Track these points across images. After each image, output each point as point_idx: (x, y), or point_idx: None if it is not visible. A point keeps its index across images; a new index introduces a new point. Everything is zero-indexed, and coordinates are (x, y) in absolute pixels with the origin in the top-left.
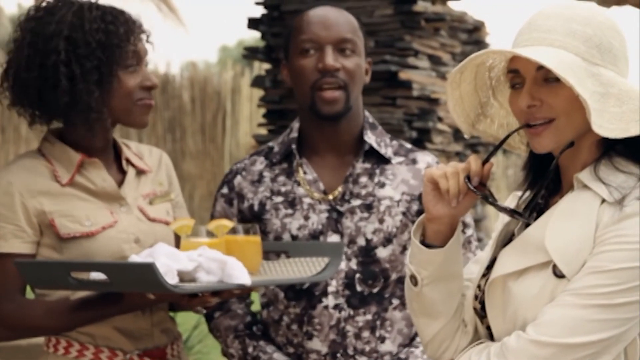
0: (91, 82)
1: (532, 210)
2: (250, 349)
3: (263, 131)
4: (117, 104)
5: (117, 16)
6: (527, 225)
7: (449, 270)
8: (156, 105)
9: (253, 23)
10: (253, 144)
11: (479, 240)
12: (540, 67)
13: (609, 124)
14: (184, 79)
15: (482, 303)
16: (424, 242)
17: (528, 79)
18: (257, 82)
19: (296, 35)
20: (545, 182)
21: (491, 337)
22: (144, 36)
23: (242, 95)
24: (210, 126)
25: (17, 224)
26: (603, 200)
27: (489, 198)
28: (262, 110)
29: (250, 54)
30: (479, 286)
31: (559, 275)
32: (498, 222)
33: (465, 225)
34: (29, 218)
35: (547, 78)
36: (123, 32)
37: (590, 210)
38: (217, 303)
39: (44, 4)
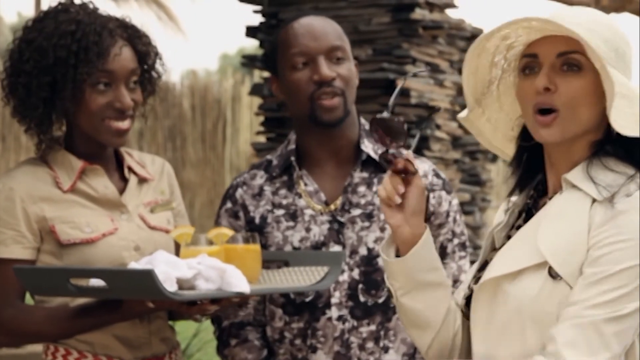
0: (40, 97)
1: (522, 212)
2: None
3: (262, 139)
4: (84, 122)
5: (88, 34)
6: (518, 227)
7: (422, 278)
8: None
9: (251, 31)
10: (253, 152)
11: (478, 247)
12: (562, 54)
13: (622, 121)
14: (184, 87)
15: (469, 305)
16: (398, 256)
17: (546, 64)
18: (255, 90)
19: (285, 50)
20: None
21: (468, 339)
22: (127, 54)
23: (243, 103)
24: (211, 134)
25: (17, 230)
26: (594, 200)
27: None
28: (262, 118)
29: (249, 62)
30: (469, 287)
31: (554, 276)
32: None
33: (454, 235)
34: (29, 224)
35: (565, 67)
36: (91, 50)
37: (581, 211)
38: (230, 326)
39: (49, 9)
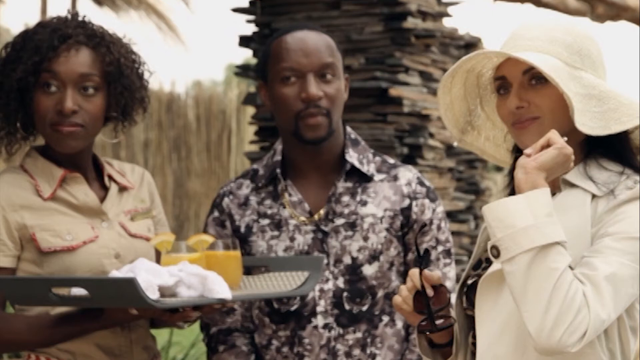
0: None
1: None
2: None
3: (255, 148)
4: (38, 127)
5: (35, 34)
6: None
7: None
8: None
9: (244, 41)
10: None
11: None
12: (526, 71)
13: (590, 122)
14: (189, 98)
15: (469, 300)
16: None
17: (515, 83)
18: (248, 99)
19: (276, 62)
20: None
21: (473, 330)
22: (83, 59)
23: (247, 114)
24: (216, 144)
25: None
26: (593, 196)
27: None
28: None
29: (242, 71)
30: (465, 285)
31: None
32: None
33: (438, 242)
34: (10, 232)
35: (533, 81)
36: (33, 50)
37: (582, 205)
38: (218, 333)
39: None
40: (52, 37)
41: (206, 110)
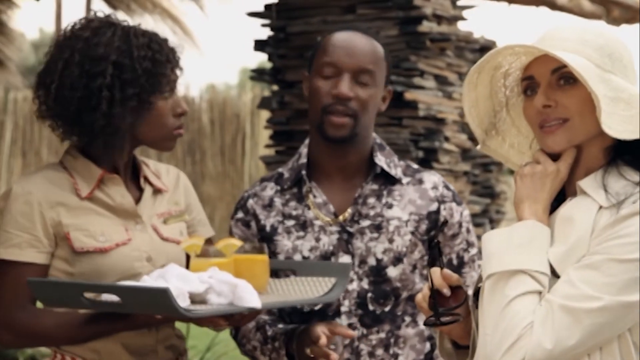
0: (127, 107)
1: None
2: (269, 332)
3: (270, 152)
4: (150, 129)
5: (162, 44)
6: None
7: None
8: None
9: (259, 45)
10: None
11: None
12: (555, 70)
13: (617, 126)
14: (204, 101)
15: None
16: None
17: (543, 83)
18: (264, 103)
19: (320, 55)
20: None
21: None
22: (178, 63)
23: (262, 117)
24: (230, 148)
25: (33, 234)
26: (601, 206)
27: (436, 322)
28: (271, 132)
29: (258, 75)
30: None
31: (557, 276)
32: None
33: (469, 245)
34: (45, 228)
35: (561, 81)
36: (165, 60)
37: (587, 216)
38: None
39: (88, 24)
40: (170, 46)
41: (220, 113)
